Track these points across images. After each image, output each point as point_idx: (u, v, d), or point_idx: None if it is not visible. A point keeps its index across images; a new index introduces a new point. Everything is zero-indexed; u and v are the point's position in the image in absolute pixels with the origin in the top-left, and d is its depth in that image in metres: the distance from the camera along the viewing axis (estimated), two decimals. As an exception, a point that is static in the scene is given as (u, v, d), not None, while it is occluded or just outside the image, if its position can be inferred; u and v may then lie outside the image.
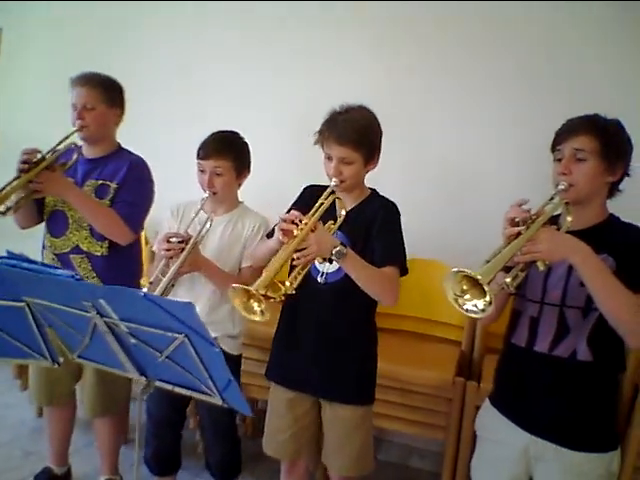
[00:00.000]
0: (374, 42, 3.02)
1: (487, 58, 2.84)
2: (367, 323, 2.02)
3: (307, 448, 2.07)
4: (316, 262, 1.90)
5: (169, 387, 1.53)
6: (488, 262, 1.46)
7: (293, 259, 1.76)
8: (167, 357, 1.40)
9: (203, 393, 1.46)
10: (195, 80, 3.38)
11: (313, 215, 1.77)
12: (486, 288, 1.39)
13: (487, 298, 1.41)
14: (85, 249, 2.36)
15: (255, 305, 1.64)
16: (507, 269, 1.53)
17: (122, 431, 2.70)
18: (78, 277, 1.33)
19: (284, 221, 1.75)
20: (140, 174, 2.42)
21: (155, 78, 3.43)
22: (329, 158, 1.90)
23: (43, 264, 1.42)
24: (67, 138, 2.32)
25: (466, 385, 2.51)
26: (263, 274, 1.64)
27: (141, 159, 2.45)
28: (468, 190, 2.91)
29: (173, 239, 2.07)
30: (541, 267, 1.52)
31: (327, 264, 1.91)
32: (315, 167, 3.10)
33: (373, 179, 2.03)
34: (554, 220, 1.64)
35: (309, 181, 3.17)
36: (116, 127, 2.48)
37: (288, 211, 1.83)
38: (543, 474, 1.69)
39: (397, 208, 1.96)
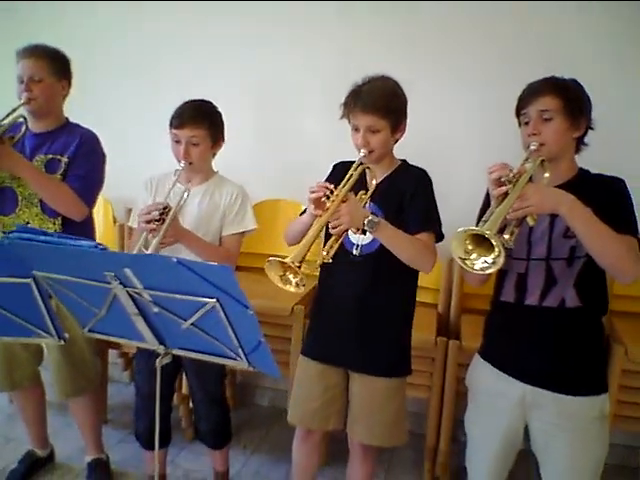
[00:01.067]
0: (348, 10, 3.04)
1: (469, 36, 2.92)
2: (404, 294, 2.04)
3: (335, 418, 2.08)
4: (350, 234, 1.92)
5: (190, 355, 1.54)
6: (486, 221, 1.51)
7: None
8: (192, 324, 1.40)
9: (227, 358, 1.48)
10: (163, 60, 3.32)
11: (343, 187, 1.78)
12: (493, 240, 1.44)
13: (495, 251, 1.46)
14: (37, 227, 2.29)
15: (291, 276, 1.65)
16: (499, 231, 1.59)
17: (100, 410, 2.69)
18: (102, 247, 1.31)
19: (313, 192, 1.76)
20: (91, 147, 2.37)
21: (122, 58, 3.36)
22: (356, 129, 1.91)
23: (60, 236, 1.39)
24: (14, 111, 2.25)
25: (448, 344, 2.60)
26: (299, 246, 1.66)
27: (92, 132, 2.40)
28: (443, 164, 2.98)
29: (153, 212, 2.03)
30: (531, 222, 1.61)
31: (361, 236, 1.93)
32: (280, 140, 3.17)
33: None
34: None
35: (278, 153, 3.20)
36: (63, 100, 2.42)
37: None
38: (540, 420, 1.78)
39: (429, 176, 1.99)
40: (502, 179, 1.59)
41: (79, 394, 2.48)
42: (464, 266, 1.53)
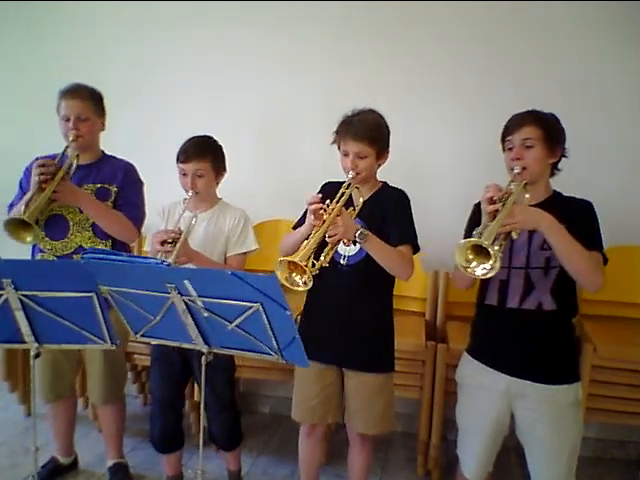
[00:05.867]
0: (335, 40, 3.50)
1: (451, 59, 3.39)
2: (385, 299, 2.42)
3: (334, 412, 2.46)
4: (339, 247, 2.30)
5: (230, 352, 1.92)
6: (482, 234, 1.88)
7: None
8: (236, 325, 1.78)
9: (263, 353, 1.86)
10: (167, 85, 3.73)
11: (337, 202, 2.17)
12: (490, 250, 1.81)
13: (492, 259, 1.83)
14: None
15: (297, 278, 2.03)
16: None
17: (125, 416, 3.01)
18: (167, 263, 1.70)
19: (313, 204, 2.13)
20: (136, 177, 2.79)
21: (126, 84, 3.73)
22: (346, 154, 2.30)
23: (130, 255, 1.77)
24: (67, 148, 2.62)
25: (437, 347, 3.01)
26: (303, 249, 2.03)
27: (132, 164, 2.81)
28: (426, 181, 3.43)
29: (166, 234, 2.38)
30: (515, 235, 1.97)
31: (348, 248, 2.31)
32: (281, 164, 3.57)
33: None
34: None
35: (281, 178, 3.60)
36: (100, 134, 2.80)
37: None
38: (523, 408, 2.16)
39: (407, 195, 2.37)
40: (494, 198, 1.98)
41: (114, 400, 2.85)
42: (466, 272, 1.89)
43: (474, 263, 1.88)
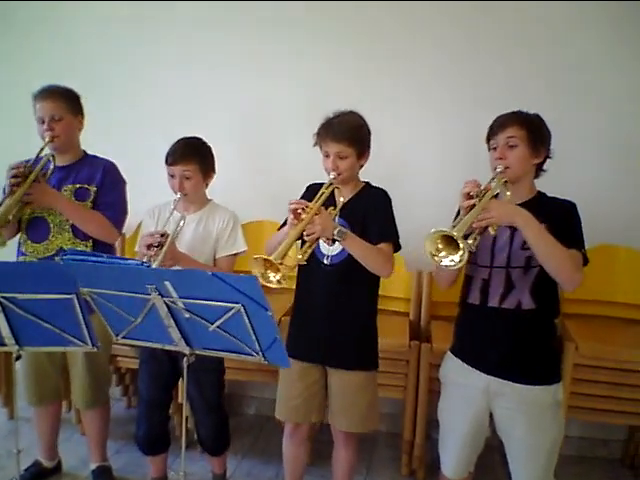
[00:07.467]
0: (320, 41, 3.50)
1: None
2: (368, 298, 2.43)
3: (317, 411, 2.46)
4: (321, 246, 2.32)
5: (212, 354, 1.91)
6: (455, 227, 1.90)
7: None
8: (217, 326, 1.77)
9: (245, 354, 1.84)
10: (157, 85, 3.72)
11: (316, 202, 2.19)
12: (460, 242, 1.83)
13: (461, 251, 1.85)
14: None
15: (272, 275, 2.03)
16: (465, 237, 1.96)
17: (109, 419, 2.98)
18: (147, 264, 1.68)
19: (292, 205, 2.16)
20: (115, 176, 2.75)
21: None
22: (327, 155, 2.31)
23: (109, 256, 1.75)
24: (42, 150, 2.61)
25: (421, 347, 3.01)
26: (279, 247, 2.04)
27: (112, 162, 2.78)
28: (410, 179, 3.44)
29: (152, 239, 2.36)
30: (492, 231, 1.99)
31: (331, 248, 2.32)
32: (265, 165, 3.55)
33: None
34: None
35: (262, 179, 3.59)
36: (79, 133, 2.77)
37: None
38: (502, 407, 2.16)
39: (388, 195, 2.38)
40: (471, 194, 2.00)
41: (97, 405, 2.83)
42: (433, 260, 1.91)
43: (443, 253, 1.89)
